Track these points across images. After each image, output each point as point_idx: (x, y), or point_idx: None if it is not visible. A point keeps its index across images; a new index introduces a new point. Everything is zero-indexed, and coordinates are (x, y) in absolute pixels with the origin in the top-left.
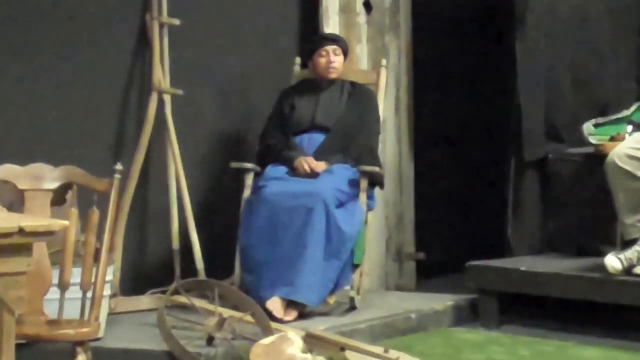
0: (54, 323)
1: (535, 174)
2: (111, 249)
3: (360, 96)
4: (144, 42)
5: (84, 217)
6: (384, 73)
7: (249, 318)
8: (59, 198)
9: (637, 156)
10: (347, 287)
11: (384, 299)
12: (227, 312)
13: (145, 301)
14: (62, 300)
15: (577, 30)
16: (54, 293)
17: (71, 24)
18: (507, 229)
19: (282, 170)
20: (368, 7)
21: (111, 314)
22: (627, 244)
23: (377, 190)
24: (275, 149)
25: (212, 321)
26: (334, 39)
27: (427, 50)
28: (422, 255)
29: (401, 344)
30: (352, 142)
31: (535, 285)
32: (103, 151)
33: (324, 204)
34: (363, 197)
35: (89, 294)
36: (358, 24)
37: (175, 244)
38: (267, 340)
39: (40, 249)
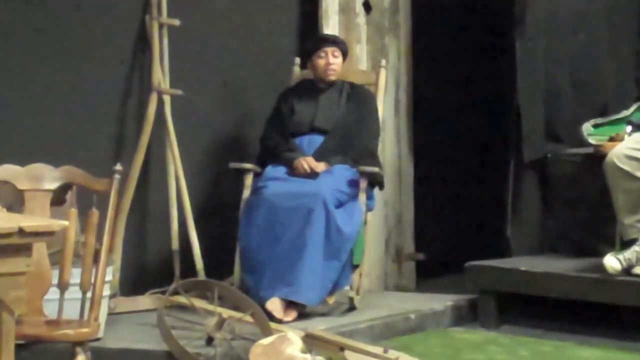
0: (53, 323)
1: (534, 174)
2: (110, 249)
3: (359, 97)
4: (143, 42)
5: (84, 217)
6: (383, 73)
7: (248, 318)
8: (58, 198)
9: (636, 156)
10: (347, 287)
11: (383, 299)
12: (226, 312)
13: (144, 301)
14: (61, 300)
15: (576, 30)
16: (53, 293)
17: (71, 23)
18: (506, 229)
19: (281, 170)
20: (367, 7)
21: (110, 314)
22: (626, 244)
23: (376, 190)
24: (275, 151)
25: (212, 321)
26: (333, 40)
27: (426, 50)
28: (421, 256)
29: (400, 344)
30: (352, 144)
31: (534, 285)
32: (102, 151)
33: (323, 204)
34: (362, 197)
35: (89, 294)
36: (357, 24)
37: (175, 244)
38: (266, 340)
39: (40, 249)
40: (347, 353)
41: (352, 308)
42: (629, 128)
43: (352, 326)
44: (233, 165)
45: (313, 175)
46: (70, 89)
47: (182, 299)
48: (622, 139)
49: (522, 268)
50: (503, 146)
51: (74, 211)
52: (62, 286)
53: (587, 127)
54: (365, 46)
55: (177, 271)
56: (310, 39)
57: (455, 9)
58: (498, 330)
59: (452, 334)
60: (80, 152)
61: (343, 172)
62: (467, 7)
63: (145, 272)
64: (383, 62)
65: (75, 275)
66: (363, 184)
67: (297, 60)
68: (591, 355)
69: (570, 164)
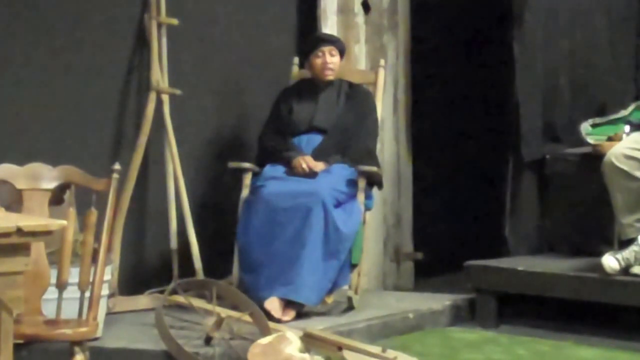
0: (51, 322)
1: (533, 174)
2: (109, 249)
3: (358, 96)
4: (142, 41)
5: (82, 216)
6: (382, 73)
7: (246, 317)
8: (57, 198)
9: (634, 156)
10: (345, 287)
11: (382, 298)
12: (225, 312)
13: (143, 301)
14: (60, 299)
15: (575, 30)
16: (51, 292)
17: (69, 23)
18: (504, 228)
19: (280, 169)
20: (366, 7)
21: (109, 313)
22: (624, 244)
23: (375, 189)
24: (274, 150)
25: (210, 321)
26: (330, 39)
27: (425, 50)
28: (419, 255)
29: (399, 344)
30: (350, 143)
31: (532, 284)
32: (101, 151)
33: (322, 204)
34: (361, 196)
35: (87, 294)
36: (356, 24)
37: (173, 243)
38: (264, 340)
39: (38, 248)
40: (345, 352)
41: (350, 307)
42: (627, 128)
43: (350, 325)
44: (232, 164)
45: (312, 174)
46: (68, 88)
47: (180, 299)
48: (620, 139)
49: (520, 268)
50: (502, 146)
51: (72, 211)
52: (61, 285)
53: (585, 127)
54: (364, 46)
55: (175, 271)
56: (308, 38)
57: (453, 9)
58: (496, 329)
59: (450, 333)
60: (78, 151)
61: (342, 171)
62: (466, 7)
63: (144, 271)
64: (382, 61)
65: (73, 275)
66: (362, 183)
67: (296, 59)
68: (589, 354)
69: (568, 164)
